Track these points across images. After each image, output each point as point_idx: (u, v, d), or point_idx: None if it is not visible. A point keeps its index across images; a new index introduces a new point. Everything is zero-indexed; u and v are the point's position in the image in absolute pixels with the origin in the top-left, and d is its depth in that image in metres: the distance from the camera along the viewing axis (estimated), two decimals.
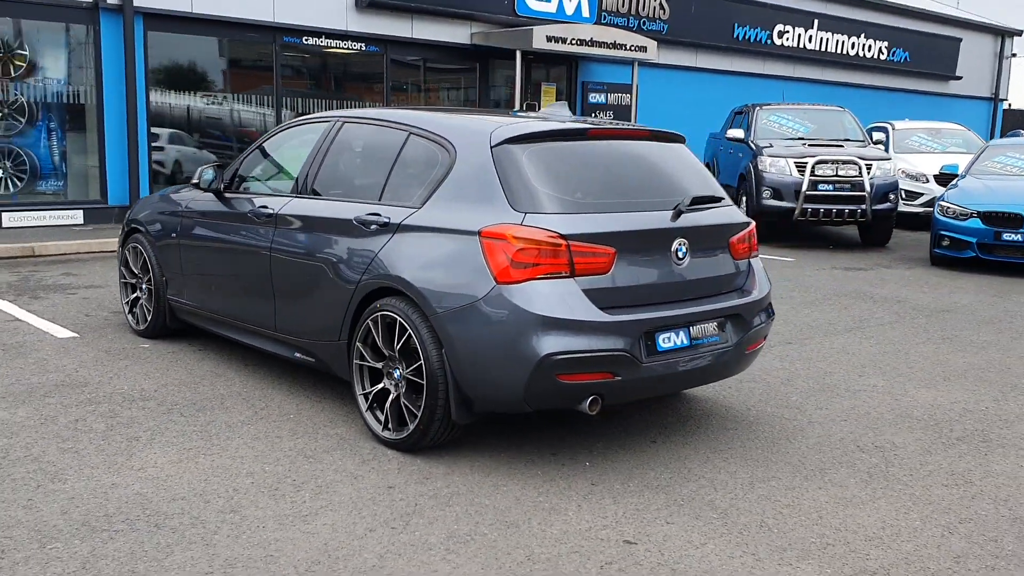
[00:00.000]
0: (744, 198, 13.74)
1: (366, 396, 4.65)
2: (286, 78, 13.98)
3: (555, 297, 4.08)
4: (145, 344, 6.51)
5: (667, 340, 4.37)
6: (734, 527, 3.80)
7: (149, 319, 6.58)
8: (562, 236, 4.12)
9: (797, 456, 4.64)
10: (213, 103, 13.57)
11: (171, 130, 13.38)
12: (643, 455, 4.58)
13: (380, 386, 4.58)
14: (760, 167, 13.29)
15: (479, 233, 4.20)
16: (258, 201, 5.56)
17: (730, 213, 4.88)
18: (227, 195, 5.85)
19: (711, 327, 4.57)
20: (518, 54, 14.85)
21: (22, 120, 12.10)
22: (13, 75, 11.97)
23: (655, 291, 4.41)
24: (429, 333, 4.27)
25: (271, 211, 5.38)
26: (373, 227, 4.66)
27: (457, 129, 4.65)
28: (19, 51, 12.04)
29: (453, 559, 3.43)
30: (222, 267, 5.81)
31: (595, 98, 17.65)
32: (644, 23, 17.74)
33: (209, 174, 5.91)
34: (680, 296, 4.50)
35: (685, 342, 4.44)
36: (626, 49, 15.98)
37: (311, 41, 13.95)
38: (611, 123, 5.23)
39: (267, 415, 5.01)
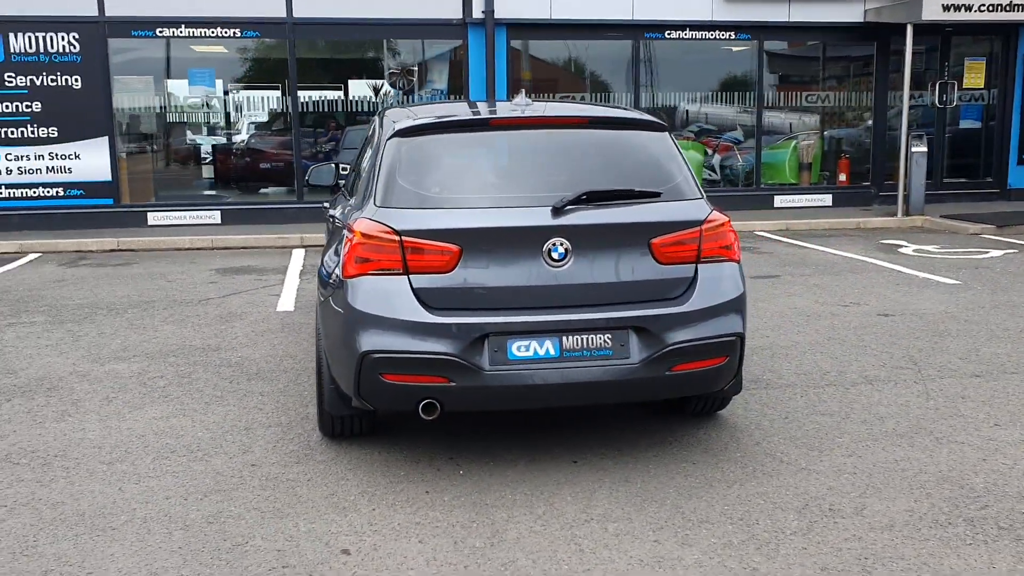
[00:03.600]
0: None
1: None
2: (649, 75, 14.08)
3: (381, 294, 3.97)
4: None
5: (523, 349, 3.94)
6: (467, 555, 3.39)
7: None
8: (396, 232, 3.98)
9: (687, 507, 3.85)
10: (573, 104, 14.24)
11: None
12: (532, 474, 4.18)
13: None
14: None
15: (347, 227, 4.23)
16: (333, 201, 6.05)
17: (663, 210, 4.16)
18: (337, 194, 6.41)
19: (600, 339, 3.99)
20: (908, 29, 13.07)
21: None
22: (406, 88, 13.89)
23: (516, 294, 3.99)
24: (320, 324, 4.42)
25: (327, 209, 5.85)
26: (331, 225, 4.89)
27: (388, 122, 4.64)
28: (411, 67, 13.93)
29: (175, 535, 3.61)
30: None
31: None
32: None
33: (317, 173, 6.48)
34: (554, 301, 4.01)
35: (552, 353, 3.96)
36: None
37: (674, 35, 13.86)
38: (534, 111, 4.55)
39: (282, 389, 5.49)
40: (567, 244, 3.99)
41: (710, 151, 15.35)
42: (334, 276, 4.22)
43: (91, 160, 12.85)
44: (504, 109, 4.57)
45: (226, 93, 13.60)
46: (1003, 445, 4.45)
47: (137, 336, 6.93)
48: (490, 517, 3.75)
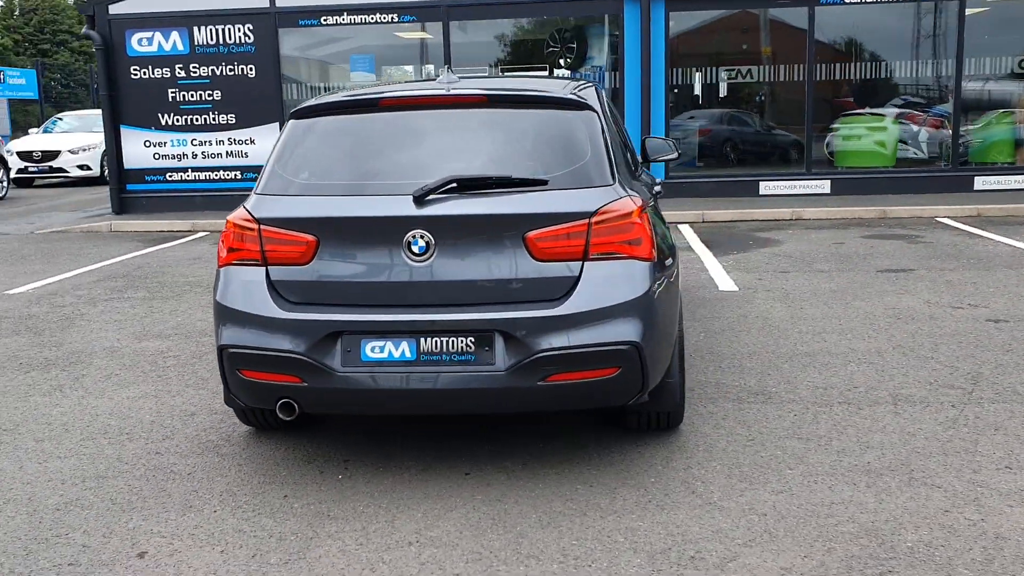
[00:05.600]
0: None
1: None
2: (823, 46, 12.82)
3: (238, 285, 3.79)
4: None
5: (377, 350, 3.62)
6: (252, 570, 3.16)
7: None
8: (256, 220, 3.78)
9: (533, 536, 3.36)
10: (738, 78, 13.27)
11: (722, 110, 13.58)
12: (410, 484, 3.84)
13: None
14: None
15: None
16: None
17: (544, 200, 3.64)
18: None
19: (461, 342, 3.58)
20: None
21: None
22: (564, 65, 13.56)
23: (373, 290, 3.66)
24: None
25: None
26: None
27: None
28: (570, 44, 13.57)
29: (16, 520, 3.63)
30: None
31: None
32: None
33: None
34: (413, 300, 3.64)
35: (408, 355, 3.60)
36: None
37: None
38: (432, 89, 4.12)
39: None
40: (429, 237, 3.60)
41: (916, 126, 13.80)
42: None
43: (264, 145, 13.58)
44: (422, 88, 4.22)
45: (436, 78, 13.73)
46: (988, 494, 3.56)
47: (201, 315, 7.19)
48: (316, 530, 3.48)
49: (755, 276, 8.00)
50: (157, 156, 13.76)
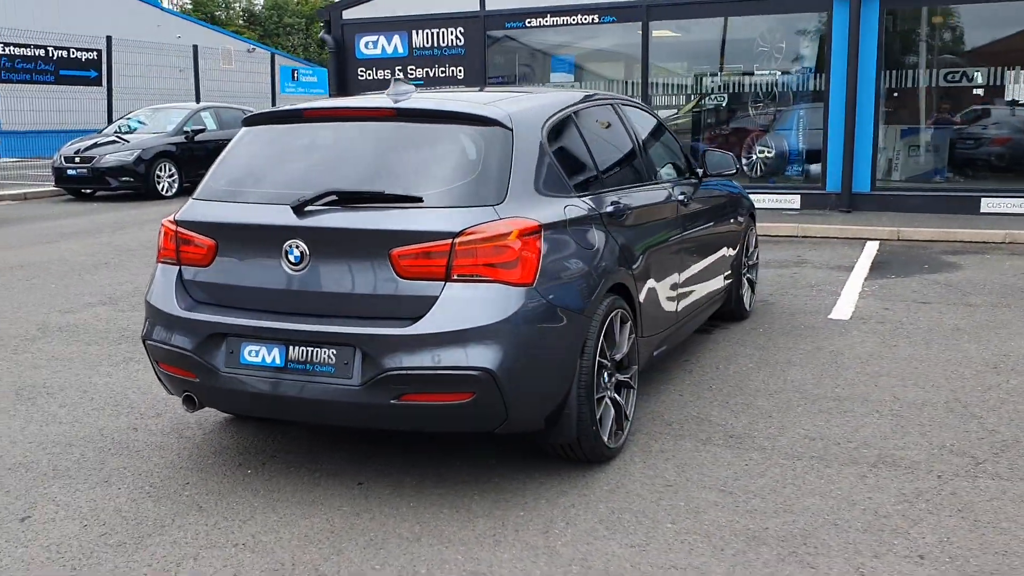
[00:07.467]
0: None
1: None
2: None
3: (157, 283, 4.07)
4: None
5: (253, 354, 3.75)
6: (82, 556, 3.42)
7: None
8: (176, 222, 4.04)
9: (350, 555, 3.35)
10: (956, 79, 11.85)
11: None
12: (300, 490, 3.94)
13: None
14: None
15: None
16: None
17: (412, 218, 3.57)
18: None
19: (324, 354, 3.62)
20: None
21: (772, 108, 12.95)
22: (772, 67, 12.87)
23: (255, 295, 3.78)
24: None
25: None
26: None
27: None
28: (779, 44, 12.84)
29: None
30: None
31: None
32: None
33: None
34: (287, 308, 3.72)
35: (277, 362, 3.70)
36: None
37: None
38: (347, 102, 4.24)
39: None
40: (304, 247, 3.68)
41: None
42: None
43: None
44: (348, 101, 4.30)
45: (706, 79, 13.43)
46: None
47: None
48: (176, 519, 3.67)
49: (884, 305, 7.19)
50: None
